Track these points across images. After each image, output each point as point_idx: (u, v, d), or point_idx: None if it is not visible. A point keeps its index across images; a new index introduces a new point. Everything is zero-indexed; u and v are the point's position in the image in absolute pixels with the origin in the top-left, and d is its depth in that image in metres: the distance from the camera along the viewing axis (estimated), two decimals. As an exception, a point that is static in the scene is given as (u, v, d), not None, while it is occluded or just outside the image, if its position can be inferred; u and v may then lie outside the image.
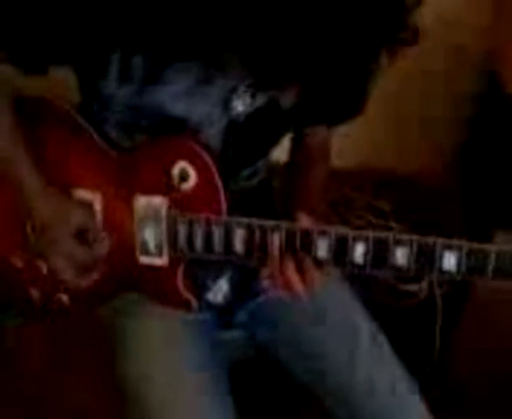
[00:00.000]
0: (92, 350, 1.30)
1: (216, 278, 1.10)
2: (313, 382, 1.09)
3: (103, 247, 0.97)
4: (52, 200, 0.95)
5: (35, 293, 1.06)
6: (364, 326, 1.09)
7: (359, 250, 0.91)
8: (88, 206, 0.98)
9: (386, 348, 1.08)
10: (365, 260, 0.91)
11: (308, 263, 0.91)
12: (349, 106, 1.05)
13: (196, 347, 1.02)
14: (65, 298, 1.06)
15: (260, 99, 0.97)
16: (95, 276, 1.00)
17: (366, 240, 0.91)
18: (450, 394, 1.34)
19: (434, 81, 1.71)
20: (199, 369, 1.00)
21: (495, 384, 1.39)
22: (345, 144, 1.77)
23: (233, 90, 0.94)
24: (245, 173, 1.06)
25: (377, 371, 1.04)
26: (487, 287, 1.35)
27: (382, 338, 1.09)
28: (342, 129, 1.11)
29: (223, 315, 1.12)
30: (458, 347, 1.42)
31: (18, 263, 1.04)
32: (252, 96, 0.96)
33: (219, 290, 1.11)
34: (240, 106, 0.96)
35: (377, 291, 1.52)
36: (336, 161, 1.75)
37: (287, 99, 0.98)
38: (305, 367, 1.10)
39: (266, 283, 0.97)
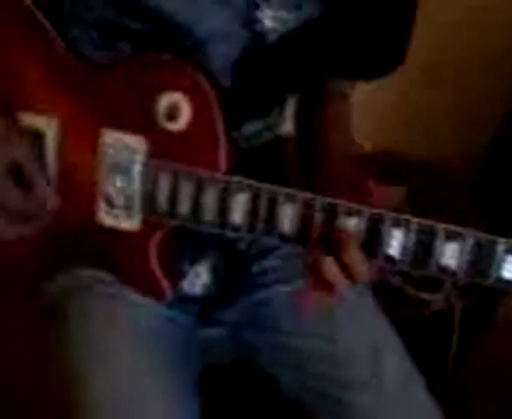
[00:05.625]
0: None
1: (193, 261, 0.85)
2: (317, 405, 0.85)
3: (48, 195, 0.72)
4: None
5: None
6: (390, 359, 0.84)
7: (396, 239, 0.69)
8: (37, 137, 0.73)
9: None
10: (403, 253, 0.69)
11: (354, 252, 0.66)
12: (391, 49, 0.82)
13: (160, 351, 0.78)
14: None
15: (304, 13, 0.72)
16: (33, 230, 0.73)
17: (407, 226, 0.69)
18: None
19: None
20: (162, 377, 0.76)
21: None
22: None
23: None
24: (251, 128, 0.82)
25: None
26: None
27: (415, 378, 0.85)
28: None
29: (205, 311, 0.88)
30: (473, 368, 1.22)
31: None
32: (298, 6, 0.71)
33: (197, 277, 0.86)
34: (269, 20, 0.72)
35: (383, 294, 1.29)
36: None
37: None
38: (306, 386, 0.86)
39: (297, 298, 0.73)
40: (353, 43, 0.79)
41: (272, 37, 0.73)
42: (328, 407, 0.84)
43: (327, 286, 0.67)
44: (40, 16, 0.72)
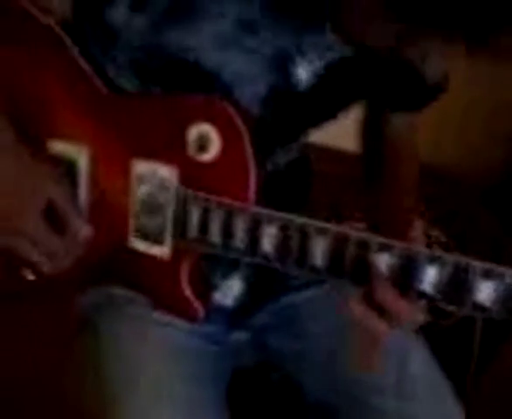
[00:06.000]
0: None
1: (225, 274, 0.85)
2: (346, 408, 0.85)
3: (81, 230, 0.73)
4: (12, 159, 0.70)
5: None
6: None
7: (430, 276, 0.68)
8: (68, 165, 0.73)
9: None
10: (437, 290, 0.67)
11: (386, 290, 0.64)
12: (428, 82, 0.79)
13: (192, 367, 0.78)
14: (29, 274, 0.82)
15: (335, 52, 0.71)
16: (68, 262, 0.75)
17: (442, 264, 0.67)
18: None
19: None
20: (194, 392, 0.77)
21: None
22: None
23: (293, 49, 0.69)
24: (279, 152, 0.80)
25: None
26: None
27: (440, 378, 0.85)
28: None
29: (234, 318, 0.88)
30: (495, 378, 1.20)
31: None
32: (329, 48, 0.70)
33: (229, 290, 0.86)
34: (304, 72, 0.71)
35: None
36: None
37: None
38: (333, 390, 0.86)
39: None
40: (384, 79, 0.77)
41: (303, 83, 0.72)
42: (357, 411, 0.84)
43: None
44: (68, 40, 0.71)
